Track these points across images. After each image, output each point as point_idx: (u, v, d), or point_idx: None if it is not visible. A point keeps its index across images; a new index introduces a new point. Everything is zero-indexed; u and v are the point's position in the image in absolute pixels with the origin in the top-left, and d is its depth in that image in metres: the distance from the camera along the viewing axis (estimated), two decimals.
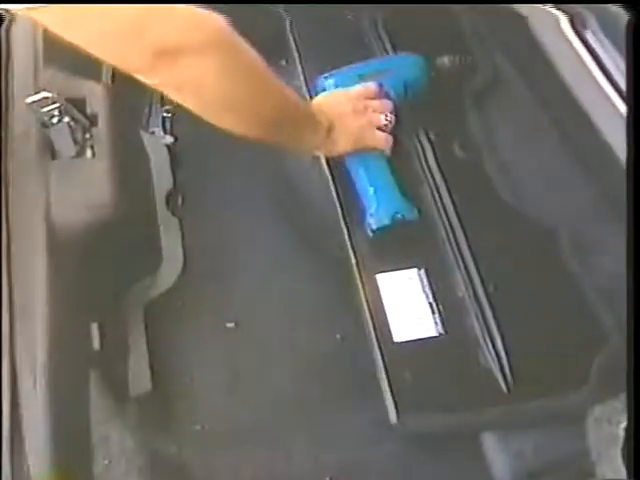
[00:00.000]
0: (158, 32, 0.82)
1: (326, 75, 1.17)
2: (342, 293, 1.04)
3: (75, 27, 0.80)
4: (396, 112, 1.13)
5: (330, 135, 1.07)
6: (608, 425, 0.81)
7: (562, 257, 1.04)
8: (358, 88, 1.13)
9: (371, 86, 1.14)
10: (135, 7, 0.80)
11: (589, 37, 1.07)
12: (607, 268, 1.03)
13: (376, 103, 1.11)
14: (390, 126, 1.11)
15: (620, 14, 0.84)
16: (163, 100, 1.23)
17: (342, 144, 1.09)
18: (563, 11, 1.10)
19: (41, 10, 0.75)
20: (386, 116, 1.10)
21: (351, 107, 1.09)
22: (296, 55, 1.26)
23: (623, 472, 0.76)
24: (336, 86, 1.15)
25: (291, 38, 1.29)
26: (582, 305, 1.01)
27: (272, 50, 1.26)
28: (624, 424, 0.79)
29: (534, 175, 1.12)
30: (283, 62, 1.28)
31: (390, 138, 1.11)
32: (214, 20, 0.87)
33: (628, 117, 0.93)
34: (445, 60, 1.19)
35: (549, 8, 1.11)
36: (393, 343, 0.98)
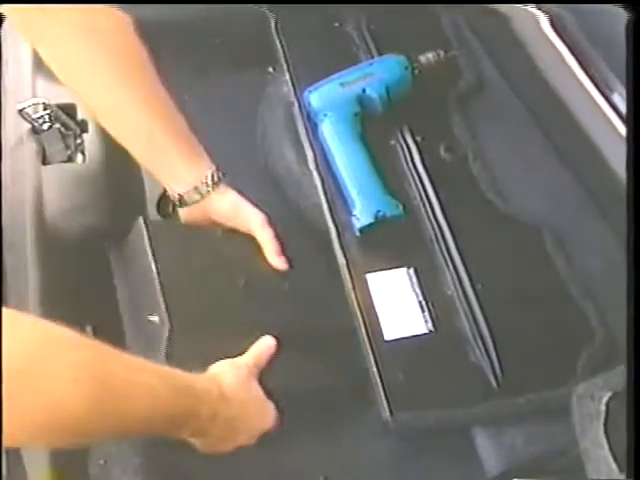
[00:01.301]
0: None
1: (310, 89, 1.17)
2: (333, 293, 1.05)
3: None
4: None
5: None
6: (591, 401, 0.82)
7: (548, 255, 1.06)
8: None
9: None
10: None
11: (569, 37, 1.09)
12: (592, 265, 1.05)
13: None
14: None
15: (619, 14, 0.85)
16: None
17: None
18: (543, 11, 1.11)
19: None
20: None
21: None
22: (283, 60, 1.26)
23: (605, 445, 0.77)
24: (321, 101, 1.15)
25: (277, 40, 1.28)
26: (568, 301, 1.03)
27: (259, 56, 1.28)
28: (606, 399, 0.80)
29: (519, 175, 1.14)
30: (270, 69, 1.29)
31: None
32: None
33: (628, 117, 0.95)
34: (429, 56, 1.18)
35: (530, 8, 1.13)
36: (384, 341, 1.00)
